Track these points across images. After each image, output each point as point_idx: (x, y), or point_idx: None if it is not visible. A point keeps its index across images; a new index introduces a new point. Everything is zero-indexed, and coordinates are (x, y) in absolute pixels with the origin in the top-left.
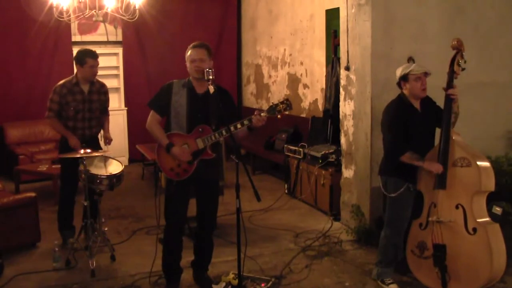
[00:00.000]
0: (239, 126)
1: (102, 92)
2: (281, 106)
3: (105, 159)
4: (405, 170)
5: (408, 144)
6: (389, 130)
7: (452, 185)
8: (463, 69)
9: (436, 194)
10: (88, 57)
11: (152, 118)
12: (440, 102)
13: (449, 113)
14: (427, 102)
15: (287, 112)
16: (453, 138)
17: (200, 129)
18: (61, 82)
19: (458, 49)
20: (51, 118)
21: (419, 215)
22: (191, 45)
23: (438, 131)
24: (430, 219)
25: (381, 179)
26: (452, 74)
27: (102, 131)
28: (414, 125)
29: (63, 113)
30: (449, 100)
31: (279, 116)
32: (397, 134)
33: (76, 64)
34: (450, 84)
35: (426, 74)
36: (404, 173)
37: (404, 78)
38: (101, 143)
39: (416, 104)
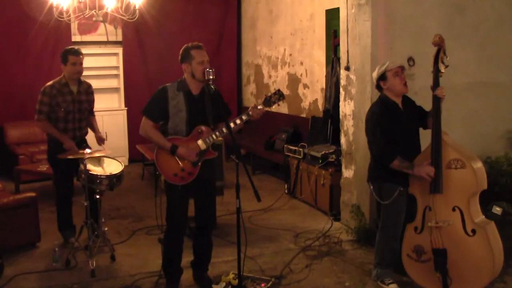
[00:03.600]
0: (238, 121)
1: (90, 93)
2: (274, 97)
3: (99, 159)
4: (398, 174)
5: (395, 147)
6: (374, 134)
7: (447, 187)
8: (446, 66)
9: (431, 197)
10: (69, 54)
11: (146, 124)
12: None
13: (438, 114)
14: (407, 100)
15: (280, 103)
16: (444, 139)
17: (199, 130)
18: (50, 83)
19: (440, 45)
20: (42, 121)
21: (413, 219)
22: (190, 46)
23: (426, 131)
24: (429, 224)
25: (373, 186)
26: (437, 73)
27: (94, 133)
28: (400, 125)
29: (52, 114)
30: (437, 100)
31: (273, 106)
32: (383, 138)
33: (61, 63)
34: (436, 84)
35: (403, 68)
36: (396, 177)
37: (383, 77)
38: (92, 143)
39: (399, 103)
